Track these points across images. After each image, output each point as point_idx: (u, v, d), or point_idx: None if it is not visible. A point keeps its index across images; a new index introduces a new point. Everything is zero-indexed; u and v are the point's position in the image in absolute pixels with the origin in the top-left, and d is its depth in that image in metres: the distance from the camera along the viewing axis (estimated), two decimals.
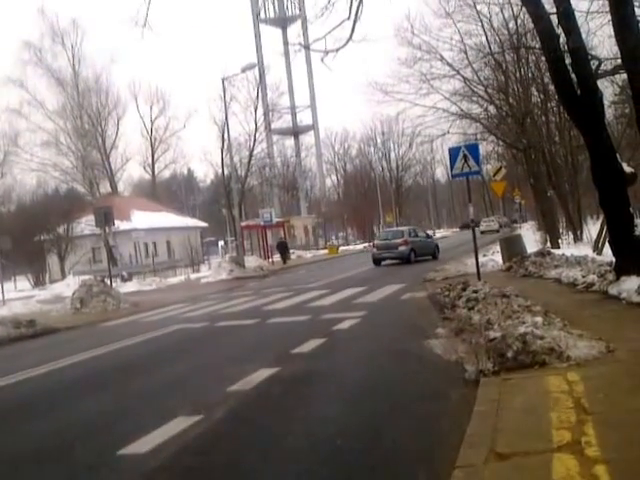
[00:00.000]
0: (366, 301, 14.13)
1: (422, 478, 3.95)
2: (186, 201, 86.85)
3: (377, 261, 27.24)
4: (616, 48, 10.73)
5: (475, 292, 10.77)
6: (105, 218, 21.11)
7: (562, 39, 10.61)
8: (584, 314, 8.46)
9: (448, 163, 14.59)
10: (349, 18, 11.56)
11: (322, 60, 11.61)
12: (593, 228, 26.78)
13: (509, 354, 6.15)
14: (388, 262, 27.16)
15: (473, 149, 13.78)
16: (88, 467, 4.86)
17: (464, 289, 11.45)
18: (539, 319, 7.30)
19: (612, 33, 10.49)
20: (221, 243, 63.74)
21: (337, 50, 11.65)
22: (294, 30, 67.23)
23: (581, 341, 6.49)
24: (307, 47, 12.62)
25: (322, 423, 5.43)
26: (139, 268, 38.17)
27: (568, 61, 10.36)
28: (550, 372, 5.77)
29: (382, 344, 8.90)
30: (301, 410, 5.90)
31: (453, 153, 13.75)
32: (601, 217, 32.97)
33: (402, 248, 26.71)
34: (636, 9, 9.87)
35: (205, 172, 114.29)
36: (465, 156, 13.40)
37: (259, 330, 11.57)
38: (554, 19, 10.49)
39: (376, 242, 29.35)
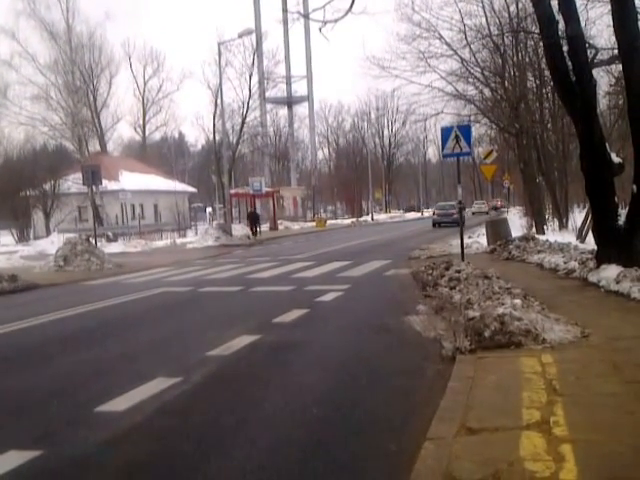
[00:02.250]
0: (350, 275, 14.22)
1: (393, 447, 4.04)
2: (176, 165, 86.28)
3: (435, 224, 38.41)
4: (614, 38, 10.74)
5: (458, 272, 10.90)
6: (92, 176, 20.99)
7: (560, 25, 10.61)
8: (563, 299, 8.60)
9: (440, 142, 14.62)
10: None
11: (320, 30, 11.49)
12: (579, 216, 27.00)
13: (486, 333, 6.27)
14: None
15: (465, 130, 13.79)
16: (65, 422, 4.92)
17: (447, 268, 11.56)
18: (518, 301, 7.42)
19: (611, 23, 10.49)
20: (209, 210, 63.64)
21: (336, 21, 11.54)
22: None
23: (557, 325, 6.63)
24: (306, 16, 12.49)
25: (299, 391, 5.51)
26: (125, 229, 37.98)
27: (565, 48, 10.38)
28: (525, 353, 5.90)
29: (363, 318, 8.99)
30: (279, 378, 5.98)
31: (445, 133, 13.75)
32: (587, 206, 33.37)
33: (455, 216, 34.77)
34: (636, 1, 9.81)
35: (196, 136, 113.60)
36: (457, 137, 13.41)
37: (242, 298, 11.63)
38: (553, 5, 10.49)
39: (436, 211, 41.41)
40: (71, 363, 6.98)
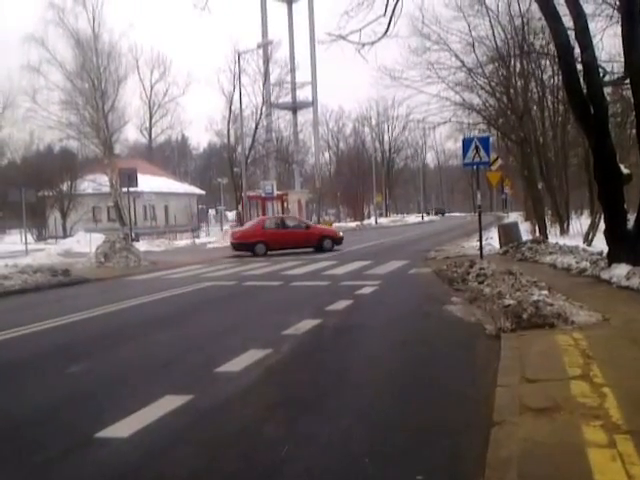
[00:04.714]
0: (376, 273, 15.47)
1: (473, 392, 5.32)
2: (178, 167, 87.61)
3: None
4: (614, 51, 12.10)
5: (482, 269, 12.18)
6: (129, 179, 22.27)
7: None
8: (580, 292, 9.85)
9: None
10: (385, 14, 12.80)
11: (359, 52, 12.81)
12: (577, 222, 28.43)
13: (524, 316, 7.56)
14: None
15: (484, 141, 15.08)
16: (197, 378, 6.13)
17: (471, 266, 12.85)
18: (545, 292, 8.73)
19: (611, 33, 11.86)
20: (212, 212, 64.77)
21: (372, 43, 12.89)
22: (300, 5, 67.96)
23: (581, 311, 7.91)
24: (343, 37, 13.68)
25: (375, 359, 6.78)
26: (138, 230, 39.14)
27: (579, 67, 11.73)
28: (558, 332, 7.18)
29: (406, 307, 10.28)
30: (353, 350, 7.25)
31: (466, 144, 15.03)
32: (585, 212, 34.80)
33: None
34: None
35: (198, 139, 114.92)
36: (477, 147, 14.72)
37: (287, 291, 12.88)
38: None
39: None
40: (173, 334, 8.28)
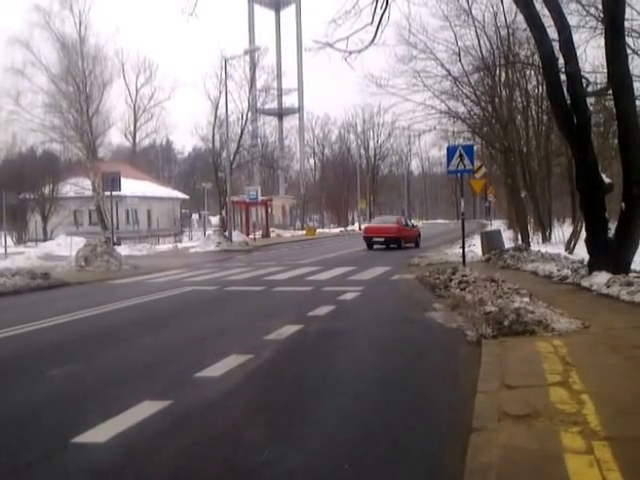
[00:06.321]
0: (359, 279, 15.48)
1: (453, 398, 5.32)
2: (162, 171, 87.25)
3: None
4: (597, 62, 12.22)
5: (465, 276, 12.23)
6: (112, 183, 22.10)
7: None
8: (561, 300, 9.93)
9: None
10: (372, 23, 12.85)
11: (346, 59, 12.83)
12: (560, 230, 28.68)
13: (505, 323, 7.59)
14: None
15: (468, 149, 15.18)
16: (175, 383, 6.07)
17: (454, 273, 12.89)
18: (527, 299, 8.77)
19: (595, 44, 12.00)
20: (195, 216, 64.64)
21: (359, 51, 12.92)
22: (288, 12, 68.27)
23: (562, 318, 7.97)
24: (330, 45, 13.72)
25: (356, 365, 6.76)
26: (120, 234, 38.86)
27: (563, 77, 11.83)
28: (539, 339, 7.22)
29: (388, 313, 10.30)
30: (334, 356, 7.23)
31: (450, 151, 15.12)
32: (567, 221, 35.16)
33: None
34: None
35: (183, 144, 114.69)
36: (461, 155, 14.80)
37: (269, 296, 12.84)
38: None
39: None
40: (159, 340, 8.24)
